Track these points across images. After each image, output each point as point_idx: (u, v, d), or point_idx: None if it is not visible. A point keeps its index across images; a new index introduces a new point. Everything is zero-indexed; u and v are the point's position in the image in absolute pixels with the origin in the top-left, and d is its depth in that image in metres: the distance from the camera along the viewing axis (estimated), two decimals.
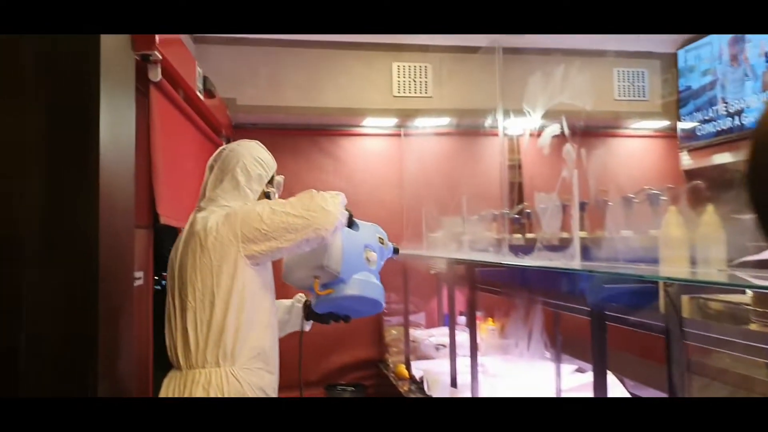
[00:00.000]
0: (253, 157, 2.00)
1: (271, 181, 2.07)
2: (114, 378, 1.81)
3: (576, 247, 2.04)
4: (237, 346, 1.80)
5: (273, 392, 1.93)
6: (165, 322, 1.90)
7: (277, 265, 2.04)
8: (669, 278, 1.53)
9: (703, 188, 2.29)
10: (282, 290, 2.11)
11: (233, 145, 2.04)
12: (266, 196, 2.04)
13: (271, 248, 1.83)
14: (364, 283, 2.01)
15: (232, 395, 1.77)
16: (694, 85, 4.53)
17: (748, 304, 1.64)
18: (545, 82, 2.38)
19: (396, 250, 2.19)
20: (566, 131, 2.12)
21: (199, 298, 1.80)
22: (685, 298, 1.90)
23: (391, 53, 4.46)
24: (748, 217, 1.77)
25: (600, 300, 1.72)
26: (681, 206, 2.06)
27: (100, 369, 1.69)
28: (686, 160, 4.64)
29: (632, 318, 1.75)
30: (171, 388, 1.82)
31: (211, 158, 2.03)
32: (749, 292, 1.65)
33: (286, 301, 2.20)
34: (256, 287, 1.86)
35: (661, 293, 1.97)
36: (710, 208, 1.98)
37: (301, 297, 2.23)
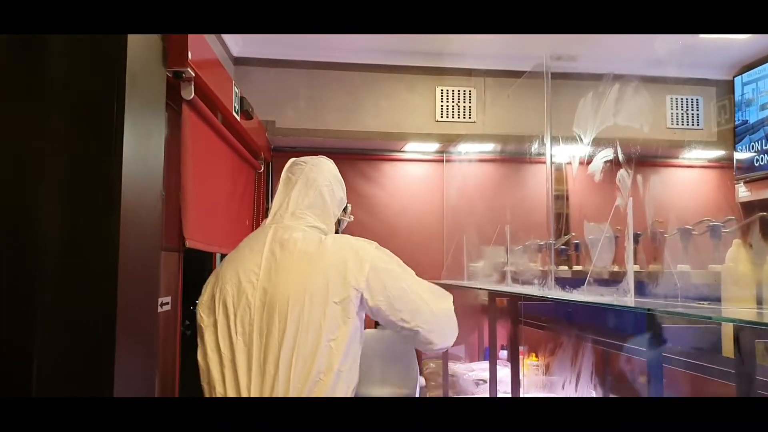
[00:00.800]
0: (337, 178, 1.88)
1: (344, 209, 1.95)
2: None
3: (630, 281, 1.88)
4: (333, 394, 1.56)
5: None
6: (217, 360, 1.62)
7: None
8: (748, 322, 1.36)
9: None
10: None
11: (313, 159, 1.88)
12: (338, 223, 1.90)
13: (381, 311, 1.62)
14: None
15: None
16: (751, 119, 4.30)
17: None
18: (597, 103, 2.24)
19: None
20: (620, 156, 1.97)
21: (301, 335, 1.54)
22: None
23: (435, 77, 4.37)
24: None
25: (658, 341, 1.55)
26: (748, 240, 1.89)
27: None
28: (743, 192, 4.39)
29: (696, 362, 1.57)
30: None
31: (286, 170, 1.87)
32: None
33: None
34: (358, 335, 1.65)
35: (724, 335, 1.80)
36: None
37: None
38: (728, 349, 1.70)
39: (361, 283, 1.59)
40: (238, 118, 3.00)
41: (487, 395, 3.22)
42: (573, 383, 2.81)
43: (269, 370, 1.54)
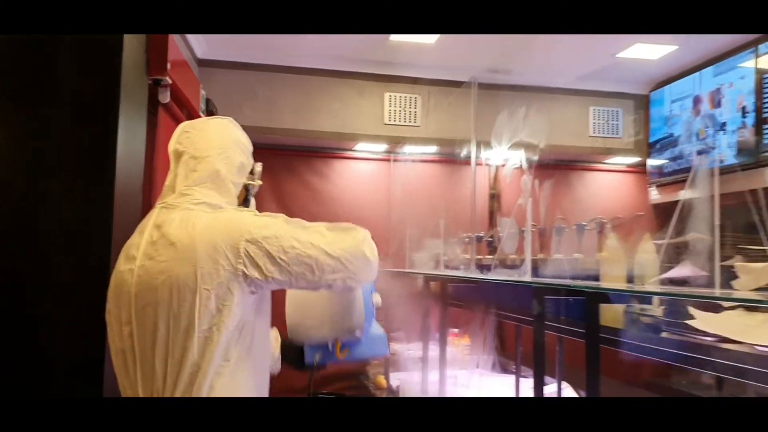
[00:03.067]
0: (233, 140, 1.59)
1: (251, 171, 1.68)
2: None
3: (528, 265, 2.32)
4: (213, 393, 1.41)
5: None
6: (114, 350, 1.48)
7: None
8: (584, 287, 1.81)
9: (642, 218, 2.57)
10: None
11: (203, 124, 1.60)
12: (246, 189, 1.68)
13: (280, 281, 1.44)
14: (377, 341, 1.85)
15: None
16: (675, 132, 4.77)
17: (661, 316, 1.92)
18: (510, 119, 2.67)
19: None
20: (524, 164, 2.41)
21: (173, 327, 1.38)
22: (620, 311, 2.19)
23: (383, 84, 4.78)
24: (665, 242, 2.04)
25: (540, 309, 1.98)
26: (621, 233, 2.35)
27: (106, 375, 1.91)
28: (654, 195, 4.94)
29: (563, 326, 2.02)
30: None
31: (173, 140, 1.58)
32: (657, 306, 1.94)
33: None
34: (253, 325, 1.47)
35: (602, 307, 2.24)
36: (647, 236, 2.27)
37: (276, 333, 1.83)
38: (605, 317, 2.15)
39: (239, 263, 1.40)
40: (203, 117, 3.34)
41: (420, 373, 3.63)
42: (485, 354, 3.26)
43: (148, 363, 1.41)
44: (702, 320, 1.69)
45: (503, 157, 2.77)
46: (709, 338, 1.71)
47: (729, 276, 1.75)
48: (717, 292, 1.63)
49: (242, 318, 1.43)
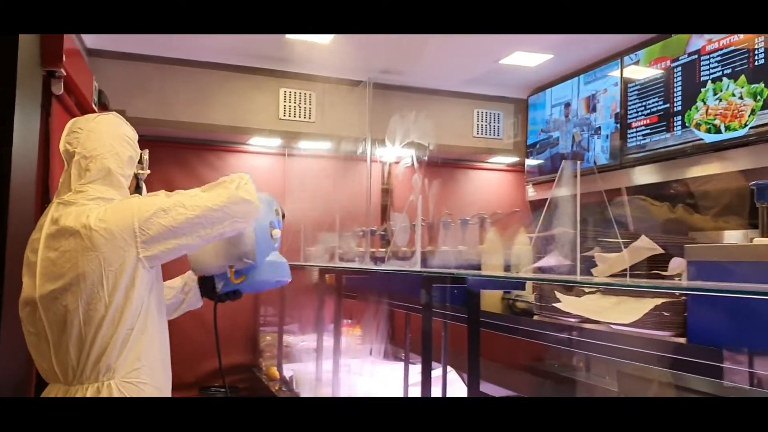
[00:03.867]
0: (120, 137, 1.71)
1: (139, 160, 1.80)
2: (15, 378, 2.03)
3: (418, 256, 2.50)
4: (120, 358, 1.58)
5: None
6: (26, 332, 1.63)
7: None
8: (467, 275, 2.02)
9: (518, 214, 2.83)
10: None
11: (88, 122, 1.71)
12: (136, 178, 1.80)
13: (178, 246, 1.62)
14: (275, 266, 1.97)
15: None
16: (554, 134, 5.15)
17: (533, 301, 2.16)
18: (402, 122, 2.85)
19: (283, 215, 2.11)
20: (415, 164, 2.60)
21: (83, 309, 1.54)
22: (498, 298, 2.42)
23: (278, 79, 4.84)
24: (535, 235, 2.28)
25: (428, 297, 2.17)
26: (500, 227, 2.59)
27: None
28: (531, 193, 5.33)
29: (449, 312, 2.21)
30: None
31: (63, 140, 1.70)
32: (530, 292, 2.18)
33: (177, 281, 1.99)
34: (151, 293, 1.65)
35: (483, 294, 2.45)
36: (522, 230, 2.52)
37: (192, 274, 2.01)
38: (486, 303, 2.37)
39: (137, 242, 1.57)
40: (96, 109, 3.30)
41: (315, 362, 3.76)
42: (376, 342, 3.45)
43: (68, 344, 1.56)
44: (566, 303, 1.94)
45: (396, 155, 2.94)
46: (572, 319, 1.96)
47: (589, 264, 2.01)
48: (578, 278, 1.87)
49: (145, 289, 1.62)
